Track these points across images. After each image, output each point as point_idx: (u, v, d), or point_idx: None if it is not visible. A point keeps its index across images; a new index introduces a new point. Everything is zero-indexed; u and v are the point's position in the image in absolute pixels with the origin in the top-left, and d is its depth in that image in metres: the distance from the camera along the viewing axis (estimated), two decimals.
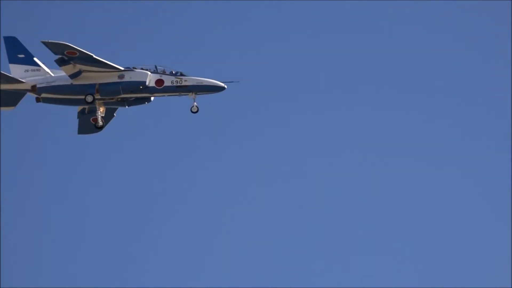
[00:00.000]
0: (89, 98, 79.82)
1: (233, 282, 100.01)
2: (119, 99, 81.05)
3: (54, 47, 76.55)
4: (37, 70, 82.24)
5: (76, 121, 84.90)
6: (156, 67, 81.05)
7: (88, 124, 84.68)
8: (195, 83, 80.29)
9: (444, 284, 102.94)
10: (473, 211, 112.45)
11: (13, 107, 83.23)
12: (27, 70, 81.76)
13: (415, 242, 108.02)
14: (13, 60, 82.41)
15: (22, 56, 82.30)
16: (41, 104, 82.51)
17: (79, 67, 78.87)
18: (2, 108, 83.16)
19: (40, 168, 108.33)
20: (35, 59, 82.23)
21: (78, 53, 77.08)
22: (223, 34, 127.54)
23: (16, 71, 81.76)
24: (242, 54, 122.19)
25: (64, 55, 77.47)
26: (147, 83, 79.79)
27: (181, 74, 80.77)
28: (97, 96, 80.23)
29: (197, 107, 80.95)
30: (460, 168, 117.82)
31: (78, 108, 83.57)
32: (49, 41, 76.01)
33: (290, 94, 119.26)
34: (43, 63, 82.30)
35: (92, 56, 77.84)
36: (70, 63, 78.49)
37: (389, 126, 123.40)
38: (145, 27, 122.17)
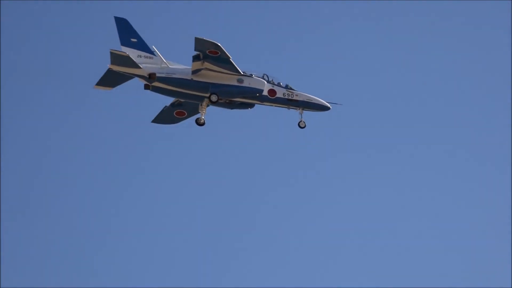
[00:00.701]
0: (214, 98, 78.82)
1: None
2: (227, 101, 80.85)
3: (201, 44, 75.17)
4: (150, 57, 79.81)
5: (148, 108, 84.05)
6: (267, 76, 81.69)
7: (167, 116, 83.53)
8: (305, 99, 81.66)
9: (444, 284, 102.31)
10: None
11: (110, 88, 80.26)
12: (140, 56, 79.12)
13: None
14: (126, 43, 79.42)
15: (135, 40, 79.63)
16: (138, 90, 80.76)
17: (206, 65, 77.94)
18: (98, 87, 79.95)
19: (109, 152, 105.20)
20: (153, 47, 79.80)
21: (219, 54, 76.25)
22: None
23: (129, 55, 79.07)
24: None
25: (205, 53, 76.34)
26: (263, 92, 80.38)
27: (290, 88, 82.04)
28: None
29: (305, 123, 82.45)
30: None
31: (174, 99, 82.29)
32: (203, 38, 74.56)
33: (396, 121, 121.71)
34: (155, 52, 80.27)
35: (229, 58, 77.33)
36: (201, 60, 77.40)
37: None
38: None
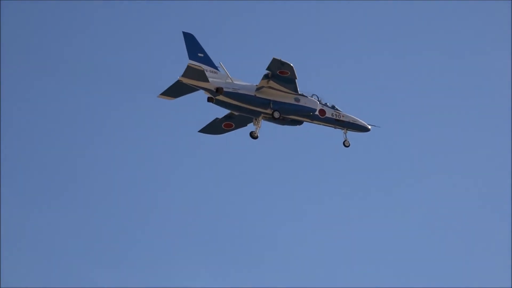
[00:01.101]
0: (276, 114, 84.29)
1: None
2: (281, 118, 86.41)
3: (276, 64, 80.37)
4: (215, 72, 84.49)
5: (199, 119, 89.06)
6: (317, 96, 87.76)
7: (215, 127, 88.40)
8: (350, 121, 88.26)
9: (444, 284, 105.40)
10: None
11: (173, 98, 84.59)
12: (206, 71, 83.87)
13: None
14: (193, 57, 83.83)
15: (202, 55, 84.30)
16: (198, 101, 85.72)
17: (271, 83, 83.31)
18: (162, 97, 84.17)
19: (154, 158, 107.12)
20: (220, 63, 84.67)
21: (289, 74, 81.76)
22: None
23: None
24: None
25: (275, 73, 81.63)
26: (315, 111, 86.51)
27: (336, 109, 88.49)
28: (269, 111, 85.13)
29: (349, 142, 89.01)
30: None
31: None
32: (281, 59, 79.72)
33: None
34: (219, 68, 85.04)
35: (295, 79, 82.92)
36: (268, 79, 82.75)
37: None
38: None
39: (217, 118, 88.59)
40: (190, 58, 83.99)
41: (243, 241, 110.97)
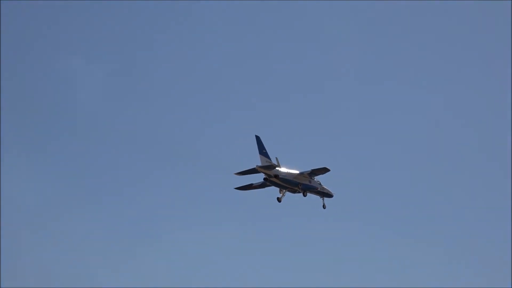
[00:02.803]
0: (306, 193, 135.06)
1: None
2: (305, 194, 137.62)
3: (321, 171, 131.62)
4: (269, 161, 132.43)
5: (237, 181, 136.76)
6: (315, 179, 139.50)
7: (247, 186, 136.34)
8: (326, 191, 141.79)
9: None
10: None
11: (242, 175, 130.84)
12: (267, 161, 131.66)
13: None
14: (261, 152, 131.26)
15: (265, 151, 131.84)
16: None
17: (306, 175, 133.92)
18: (237, 174, 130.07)
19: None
20: (276, 158, 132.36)
21: (321, 173, 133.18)
22: None
23: (262, 160, 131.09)
24: None
25: (314, 173, 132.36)
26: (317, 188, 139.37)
27: (321, 184, 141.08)
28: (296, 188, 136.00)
29: (326, 205, 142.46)
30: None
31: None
32: (329, 169, 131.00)
33: None
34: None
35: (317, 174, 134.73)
36: (308, 175, 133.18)
37: None
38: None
39: (253, 183, 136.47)
40: (260, 153, 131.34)
41: None
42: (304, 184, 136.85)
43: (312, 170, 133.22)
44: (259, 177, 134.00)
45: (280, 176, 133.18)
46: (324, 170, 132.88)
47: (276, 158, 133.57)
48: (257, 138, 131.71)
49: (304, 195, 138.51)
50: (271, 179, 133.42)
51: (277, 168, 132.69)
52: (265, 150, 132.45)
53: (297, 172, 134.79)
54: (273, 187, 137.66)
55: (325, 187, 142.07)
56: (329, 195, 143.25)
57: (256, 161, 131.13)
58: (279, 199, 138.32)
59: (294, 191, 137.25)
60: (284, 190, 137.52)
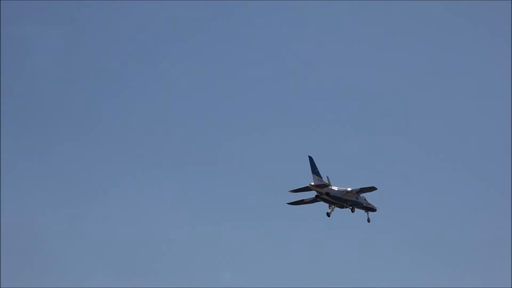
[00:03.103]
0: (353, 210, 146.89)
1: None
2: (353, 210, 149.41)
3: (368, 190, 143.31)
4: (320, 180, 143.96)
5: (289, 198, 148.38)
6: (361, 195, 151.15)
7: (298, 202, 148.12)
8: (371, 206, 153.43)
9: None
10: None
11: (295, 193, 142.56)
12: (319, 180, 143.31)
13: None
14: (314, 172, 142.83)
15: (317, 170, 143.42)
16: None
17: (354, 193, 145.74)
18: (291, 191, 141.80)
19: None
20: (327, 176, 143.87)
21: (366, 192, 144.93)
22: None
23: (315, 179, 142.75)
24: None
25: (361, 191, 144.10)
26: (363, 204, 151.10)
27: (366, 200, 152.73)
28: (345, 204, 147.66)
29: (370, 219, 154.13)
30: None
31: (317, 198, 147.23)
32: (372, 186, 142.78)
33: None
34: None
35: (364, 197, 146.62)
36: (353, 193, 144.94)
37: None
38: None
39: (305, 199, 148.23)
40: (312, 172, 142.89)
41: None
42: (351, 201, 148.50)
43: (360, 188, 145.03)
44: (310, 193, 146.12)
45: (331, 194, 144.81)
46: (372, 189, 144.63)
47: (327, 177, 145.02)
48: (310, 158, 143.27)
49: (352, 211, 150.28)
50: (322, 196, 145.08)
51: (328, 187, 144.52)
52: (317, 169, 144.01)
53: (346, 189, 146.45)
54: (322, 202, 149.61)
55: (369, 202, 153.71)
56: (373, 210, 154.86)
57: (308, 179, 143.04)
58: (328, 214, 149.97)
59: (342, 207, 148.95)
60: (333, 206, 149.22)
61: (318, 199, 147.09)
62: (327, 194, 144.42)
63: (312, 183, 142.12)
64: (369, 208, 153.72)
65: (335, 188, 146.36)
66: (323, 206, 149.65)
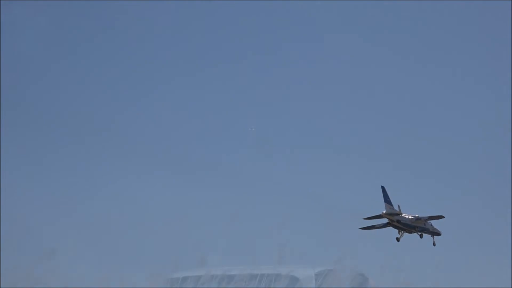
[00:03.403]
0: (422, 236, 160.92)
1: None
2: (421, 236, 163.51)
3: (436, 218, 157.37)
4: (392, 208, 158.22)
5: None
6: (428, 222, 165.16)
7: (370, 227, 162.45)
8: (436, 231, 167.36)
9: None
10: None
11: (368, 220, 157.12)
12: (391, 208, 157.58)
13: None
14: (386, 201, 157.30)
15: (388, 199, 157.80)
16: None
17: (423, 221, 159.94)
18: (365, 219, 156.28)
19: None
20: (398, 205, 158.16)
21: (434, 219, 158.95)
22: None
23: (387, 207, 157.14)
24: None
25: (430, 219, 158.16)
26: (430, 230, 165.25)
27: (432, 225, 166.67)
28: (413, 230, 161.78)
29: (435, 243, 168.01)
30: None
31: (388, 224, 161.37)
32: (441, 215, 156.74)
33: None
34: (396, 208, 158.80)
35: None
36: (421, 220, 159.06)
37: None
38: None
39: (374, 225, 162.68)
40: (385, 201, 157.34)
41: None
42: (420, 227, 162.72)
43: (429, 216, 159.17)
44: (381, 219, 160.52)
45: (401, 221, 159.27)
46: (439, 217, 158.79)
47: (398, 205, 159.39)
48: (383, 188, 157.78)
49: (421, 237, 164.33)
50: (393, 223, 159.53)
51: (399, 215, 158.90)
52: (389, 198, 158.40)
53: (416, 217, 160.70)
54: (391, 228, 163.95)
55: (435, 227, 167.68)
56: (438, 234, 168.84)
57: (381, 207, 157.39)
58: (398, 239, 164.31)
59: (410, 232, 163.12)
60: (402, 231, 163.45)
61: (389, 225, 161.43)
62: (398, 221, 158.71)
63: (384, 211, 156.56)
64: (435, 233, 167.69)
65: (405, 215, 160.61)
66: (393, 231, 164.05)
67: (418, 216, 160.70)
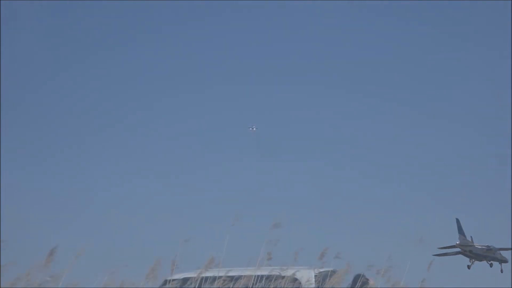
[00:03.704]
0: (492, 265, 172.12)
1: None
2: (491, 264, 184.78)
3: (507, 249, 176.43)
4: (465, 239, 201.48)
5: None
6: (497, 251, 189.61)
7: (443, 254, 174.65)
8: (504, 259, 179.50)
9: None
10: None
11: (443, 249, 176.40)
12: (464, 239, 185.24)
13: None
14: (460, 232, 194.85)
15: (462, 231, 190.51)
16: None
17: (492, 251, 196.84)
18: (440, 248, 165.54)
19: None
20: (471, 236, 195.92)
21: (504, 250, 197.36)
22: None
23: (461, 238, 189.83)
24: None
25: (500, 250, 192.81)
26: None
27: (500, 254, 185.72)
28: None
29: (503, 270, 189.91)
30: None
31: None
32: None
33: None
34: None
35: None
36: (492, 251, 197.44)
37: None
38: None
39: (446, 253, 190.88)
40: (459, 232, 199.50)
41: None
42: (490, 256, 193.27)
43: (499, 248, 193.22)
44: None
45: (473, 251, 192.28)
46: (510, 249, 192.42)
47: (471, 236, 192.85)
48: (457, 220, 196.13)
49: (491, 266, 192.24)
50: (466, 252, 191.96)
51: (471, 245, 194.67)
52: (462, 230, 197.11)
53: (487, 247, 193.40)
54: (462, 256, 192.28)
55: (503, 255, 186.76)
56: (505, 261, 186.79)
57: (455, 239, 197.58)
58: (469, 267, 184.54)
59: (481, 260, 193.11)
60: (473, 260, 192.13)
61: (460, 254, 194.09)
62: (470, 251, 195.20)
63: (458, 242, 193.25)
64: (502, 261, 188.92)
65: (477, 246, 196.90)
66: (464, 258, 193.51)
67: (489, 246, 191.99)
